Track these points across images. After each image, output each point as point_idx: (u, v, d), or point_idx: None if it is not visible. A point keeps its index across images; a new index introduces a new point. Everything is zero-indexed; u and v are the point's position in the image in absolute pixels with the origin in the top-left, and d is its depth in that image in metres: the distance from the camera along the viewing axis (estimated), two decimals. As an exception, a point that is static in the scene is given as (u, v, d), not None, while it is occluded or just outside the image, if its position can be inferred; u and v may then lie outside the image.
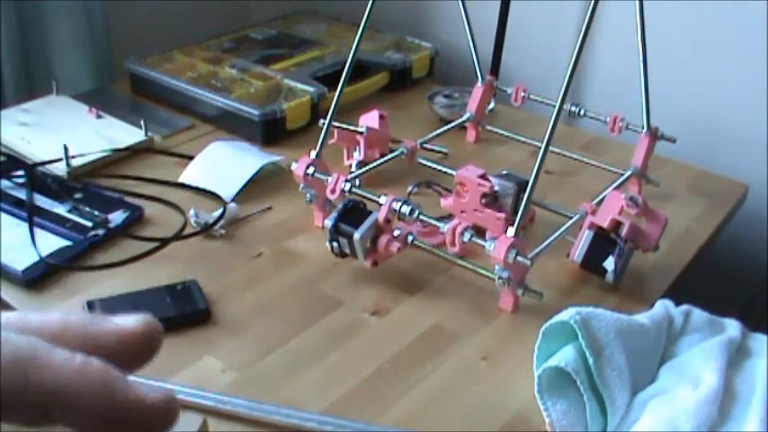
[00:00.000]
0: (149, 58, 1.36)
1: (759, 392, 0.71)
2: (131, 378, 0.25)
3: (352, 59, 0.97)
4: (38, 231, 0.94)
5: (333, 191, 0.94)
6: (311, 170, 0.96)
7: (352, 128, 1.10)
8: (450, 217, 0.95)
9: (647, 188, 1.12)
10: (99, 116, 1.24)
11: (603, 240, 0.91)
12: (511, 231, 0.81)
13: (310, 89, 1.27)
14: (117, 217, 0.98)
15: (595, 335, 0.71)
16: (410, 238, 0.89)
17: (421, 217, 0.88)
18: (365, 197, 0.92)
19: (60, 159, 1.08)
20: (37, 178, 1.04)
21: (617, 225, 0.90)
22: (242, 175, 1.07)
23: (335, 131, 1.10)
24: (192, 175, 1.09)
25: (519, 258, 0.81)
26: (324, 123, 0.99)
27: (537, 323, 0.75)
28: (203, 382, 0.74)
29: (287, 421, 0.70)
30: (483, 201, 0.93)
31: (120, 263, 0.90)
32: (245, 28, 1.54)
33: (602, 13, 1.37)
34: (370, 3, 0.97)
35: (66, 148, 1.08)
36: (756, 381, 0.73)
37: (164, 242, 0.93)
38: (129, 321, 0.26)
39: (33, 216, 0.96)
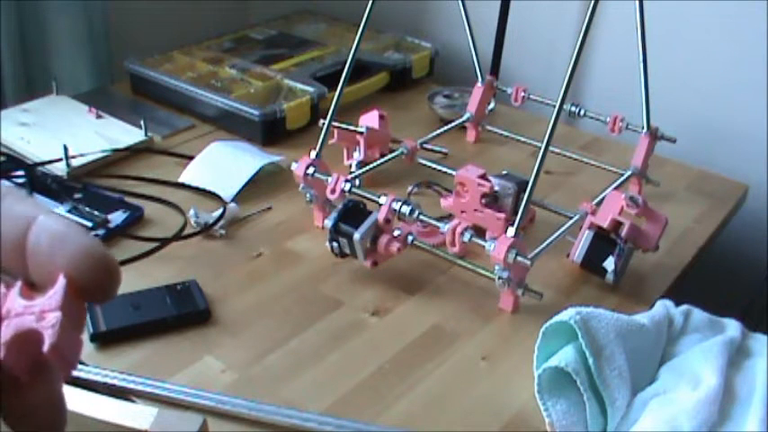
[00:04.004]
0: (149, 59, 1.36)
1: (759, 392, 0.71)
2: None
3: (352, 59, 0.97)
4: (38, 231, 0.94)
5: (333, 191, 0.94)
6: (311, 170, 0.96)
7: (352, 128, 1.10)
8: (450, 217, 0.95)
9: (647, 188, 1.12)
10: (99, 116, 1.24)
11: (603, 240, 0.91)
12: (511, 231, 0.81)
13: (310, 89, 1.27)
14: (117, 217, 0.98)
15: (595, 335, 0.71)
16: (410, 238, 0.89)
17: (421, 217, 0.88)
18: (365, 197, 0.92)
19: (60, 159, 1.08)
20: (37, 178, 1.04)
21: (617, 225, 0.90)
22: (242, 175, 1.07)
23: (335, 131, 1.10)
24: (191, 175, 1.09)
25: (519, 258, 0.81)
26: (324, 123, 0.99)
27: (537, 323, 0.75)
28: (203, 382, 0.74)
29: (287, 421, 0.70)
30: (483, 201, 0.93)
31: (120, 263, 0.90)
32: (245, 28, 1.54)
33: (602, 13, 1.37)
34: (370, 3, 0.97)
35: (65, 148, 1.08)
36: (756, 381, 0.73)
37: (164, 242, 0.93)
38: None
39: (33, 216, 0.96)
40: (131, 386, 0.73)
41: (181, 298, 0.84)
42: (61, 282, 0.26)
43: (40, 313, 0.25)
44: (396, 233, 0.88)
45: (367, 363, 0.79)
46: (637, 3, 1.02)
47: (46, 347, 0.25)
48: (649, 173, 1.12)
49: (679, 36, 1.34)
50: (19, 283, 0.27)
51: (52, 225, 0.27)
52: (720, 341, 0.77)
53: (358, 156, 1.11)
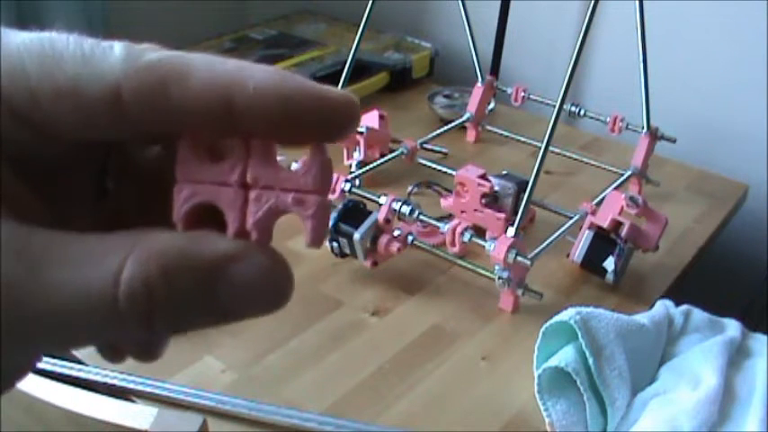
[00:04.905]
0: (149, 58, 1.36)
1: (759, 392, 0.71)
2: None
3: (352, 59, 0.97)
4: (38, 231, 0.94)
5: (333, 191, 0.94)
6: (311, 170, 0.95)
7: (352, 128, 1.09)
8: (450, 217, 0.95)
9: (647, 188, 1.12)
10: (99, 116, 1.24)
11: (603, 240, 0.91)
12: (511, 231, 0.81)
13: (310, 89, 1.27)
14: (117, 217, 0.98)
15: (595, 335, 0.71)
16: (410, 238, 0.89)
17: (421, 217, 0.88)
18: (365, 197, 0.92)
19: (60, 159, 1.08)
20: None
21: (617, 225, 0.90)
22: (242, 175, 1.07)
23: (335, 131, 1.09)
24: (191, 175, 1.09)
25: (519, 258, 0.81)
26: (324, 123, 0.99)
27: (537, 323, 0.75)
28: (203, 382, 0.74)
29: (287, 421, 0.70)
30: (483, 201, 0.93)
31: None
32: (245, 28, 1.54)
33: (602, 13, 1.37)
34: (370, 3, 0.98)
35: (66, 148, 1.08)
36: (756, 381, 0.73)
37: (164, 242, 0.93)
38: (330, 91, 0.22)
39: (33, 216, 0.96)
40: (131, 386, 0.73)
41: (181, 298, 0.84)
42: (316, 152, 0.22)
43: (298, 193, 0.22)
44: (396, 233, 0.88)
45: (367, 363, 0.79)
46: (637, 3, 1.02)
47: (308, 240, 0.22)
48: (649, 173, 1.12)
49: (679, 36, 1.34)
50: (263, 146, 0.22)
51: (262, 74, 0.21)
52: (720, 341, 0.77)
53: (358, 156, 1.11)
